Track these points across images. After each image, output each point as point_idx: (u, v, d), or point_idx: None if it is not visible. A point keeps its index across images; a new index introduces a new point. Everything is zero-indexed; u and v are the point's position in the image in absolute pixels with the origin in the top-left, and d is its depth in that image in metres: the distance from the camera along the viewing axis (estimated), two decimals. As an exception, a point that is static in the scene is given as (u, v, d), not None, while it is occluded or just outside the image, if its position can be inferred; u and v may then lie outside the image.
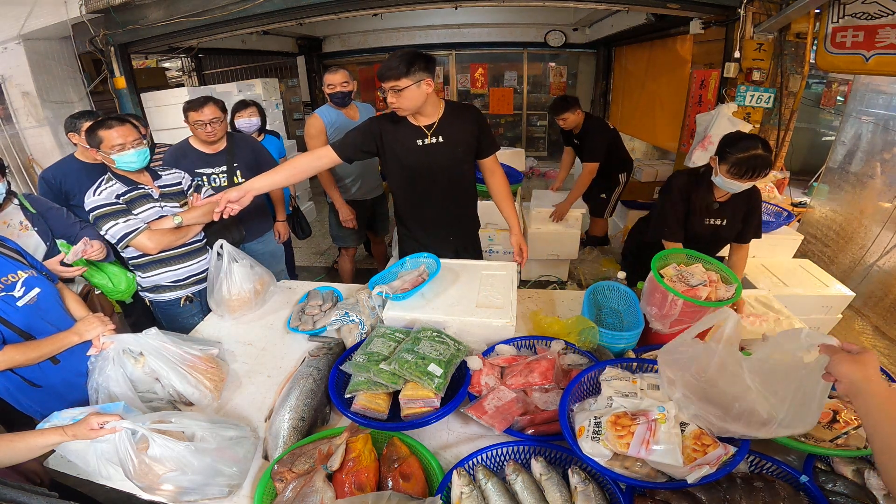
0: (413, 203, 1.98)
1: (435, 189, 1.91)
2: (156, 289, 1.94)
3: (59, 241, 1.86)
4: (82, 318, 1.47)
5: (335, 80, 2.59)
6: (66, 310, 1.50)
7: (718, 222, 1.89)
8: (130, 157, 1.71)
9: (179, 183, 1.96)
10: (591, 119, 3.53)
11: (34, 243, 1.75)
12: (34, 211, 1.80)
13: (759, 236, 1.92)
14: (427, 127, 1.80)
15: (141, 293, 1.99)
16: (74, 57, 3.78)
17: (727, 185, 1.73)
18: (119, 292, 2.00)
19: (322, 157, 1.81)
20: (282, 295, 1.98)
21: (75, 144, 2.22)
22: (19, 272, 1.37)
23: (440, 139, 1.81)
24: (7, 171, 1.73)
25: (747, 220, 1.89)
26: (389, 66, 1.64)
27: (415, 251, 1.90)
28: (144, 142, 1.77)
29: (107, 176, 1.79)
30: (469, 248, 2.14)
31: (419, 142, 1.81)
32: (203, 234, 2.03)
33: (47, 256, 1.73)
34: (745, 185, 1.71)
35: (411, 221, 2.05)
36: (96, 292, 1.96)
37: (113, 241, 1.76)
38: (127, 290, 2.02)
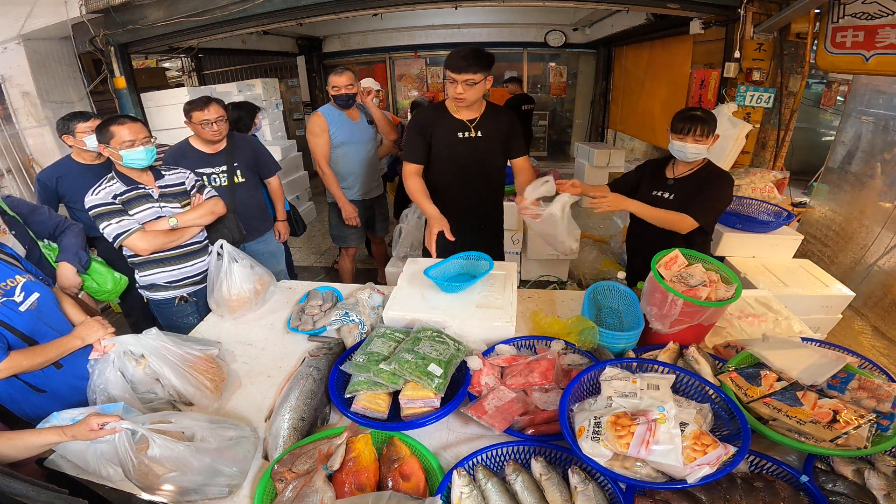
0: (448, 191, 2.10)
1: (472, 181, 2.08)
2: (151, 287, 1.94)
3: (41, 244, 1.85)
4: (82, 322, 1.47)
5: (340, 83, 2.59)
6: (64, 314, 1.50)
7: (666, 195, 1.95)
8: (139, 154, 1.72)
9: (182, 183, 1.95)
10: (524, 95, 5.59)
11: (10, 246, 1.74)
12: (12, 214, 1.79)
13: (697, 218, 1.81)
14: (470, 121, 1.97)
15: (139, 290, 2.00)
16: (74, 57, 3.78)
17: (676, 148, 1.86)
18: (105, 292, 2.04)
19: (419, 172, 2.05)
20: (282, 295, 1.98)
21: (70, 146, 2.22)
22: (17, 277, 1.37)
23: (479, 134, 1.99)
24: None
25: (697, 197, 1.85)
26: (468, 60, 1.76)
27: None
28: (152, 140, 1.79)
29: (109, 175, 1.80)
30: (494, 238, 2.31)
31: (460, 134, 1.96)
32: (205, 235, 2.03)
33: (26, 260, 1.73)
34: (689, 146, 1.82)
35: (445, 208, 2.05)
36: (81, 294, 1.97)
37: (109, 240, 1.77)
38: (113, 289, 2.07)
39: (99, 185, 1.77)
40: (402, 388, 1.24)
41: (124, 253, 1.88)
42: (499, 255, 2.36)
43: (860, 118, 3.45)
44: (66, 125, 2.16)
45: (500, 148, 2.07)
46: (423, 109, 2.06)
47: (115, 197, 1.75)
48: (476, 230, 2.18)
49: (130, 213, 1.77)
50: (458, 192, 2.10)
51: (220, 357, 1.52)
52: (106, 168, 2.17)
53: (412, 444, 1.14)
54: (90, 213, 1.74)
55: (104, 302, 2.14)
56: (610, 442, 0.97)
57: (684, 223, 1.84)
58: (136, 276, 1.95)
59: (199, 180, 2.03)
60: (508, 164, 2.19)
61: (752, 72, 3.10)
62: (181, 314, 2.01)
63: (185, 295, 1.98)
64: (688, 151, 1.84)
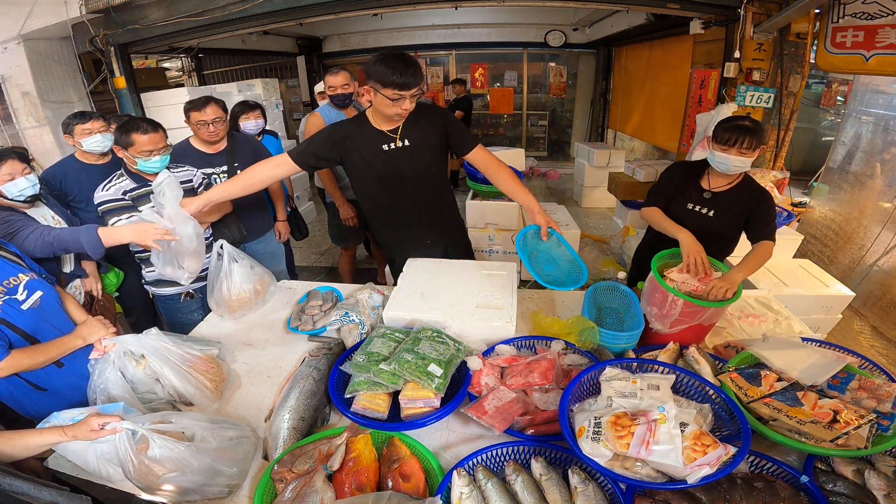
0: (384, 209, 1.92)
1: (406, 193, 1.84)
2: (157, 283, 1.97)
3: None
4: (83, 321, 1.47)
5: (336, 83, 2.59)
6: (66, 313, 1.51)
7: (704, 211, 1.83)
8: (154, 164, 1.77)
9: (190, 181, 1.98)
10: (466, 96, 6.20)
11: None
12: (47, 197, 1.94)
13: (772, 239, 1.74)
14: (392, 131, 1.73)
15: (144, 286, 2.03)
16: (74, 57, 3.78)
17: (718, 159, 1.71)
18: (111, 284, 2.19)
19: (281, 166, 1.74)
20: (282, 295, 1.98)
21: (73, 146, 2.24)
22: (20, 275, 1.37)
23: (406, 143, 1.74)
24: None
25: (755, 221, 1.78)
26: (413, 73, 1.53)
27: (387, 257, 1.96)
28: (169, 148, 1.83)
29: (118, 172, 1.84)
30: (455, 248, 2.08)
31: (385, 147, 1.74)
32: (210, 232, 2.04)
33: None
34: (734, 158, 1.67)
35: (383, 228, 2.02)
36: (100, 301, 2.06)
37: None
38: (116, 281, 2.23)
39: (109, 182, 1.81)
40: (402, 389, 1.24)
41: (132, 248, 1.92)
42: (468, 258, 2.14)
43: (860, 118, 3.45)
44: (67, 125, 2.19)
45: (433, 152, 1.81)
46: (342, 122, 1.82)
47: (124, 193, 1.79)
48: (437, 246, 2.00)
49: (140, 209, 1.79)
50: (399, 210, 1.88)
51: (220, 357, 1.52)
52: (109, 167, 2.20)
53: (412, 444, 1.14)
54: (99, 208, 1.78)
55: (113, 293, 2.30)
56: (610, 442, 0.97)
57: (771, 251, 1.71)
58: (143, 272, 1.98)
59: (205, 178, 2.06)
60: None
61: (752, 72, 3.10)
62: (186, 310, 2.04)
63: (190, 291, 2.01)
64: (731, 164, 1.68)
